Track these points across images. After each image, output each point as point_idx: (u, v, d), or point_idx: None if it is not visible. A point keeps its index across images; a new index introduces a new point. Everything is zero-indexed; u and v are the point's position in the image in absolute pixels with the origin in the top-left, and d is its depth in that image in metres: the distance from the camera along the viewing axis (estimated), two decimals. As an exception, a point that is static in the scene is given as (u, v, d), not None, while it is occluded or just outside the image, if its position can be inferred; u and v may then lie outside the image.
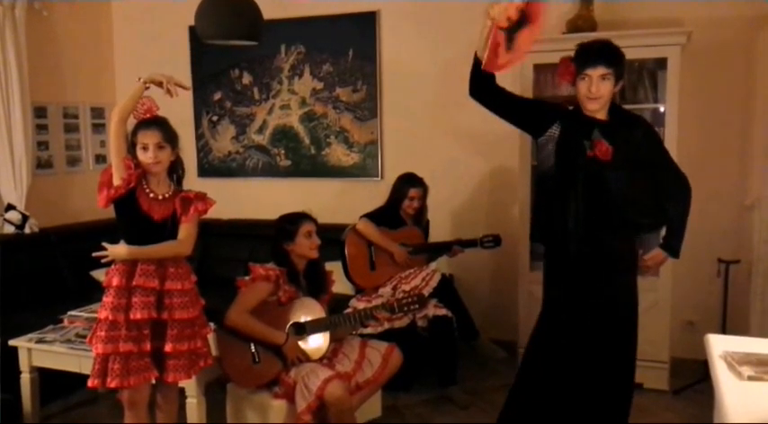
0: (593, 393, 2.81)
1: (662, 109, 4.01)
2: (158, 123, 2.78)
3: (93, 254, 2.76)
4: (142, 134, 2.74)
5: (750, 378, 1.63)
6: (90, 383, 2.74)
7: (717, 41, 4.08)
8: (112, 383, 2.68)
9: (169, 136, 2.79)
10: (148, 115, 2.79)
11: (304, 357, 3.13)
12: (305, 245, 3.24)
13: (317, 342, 3.19)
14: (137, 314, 2.67)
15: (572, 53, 2.80)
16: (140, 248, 2.73)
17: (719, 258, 3.96)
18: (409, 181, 4.11)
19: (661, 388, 3.95)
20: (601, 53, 2.70)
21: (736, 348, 1.82)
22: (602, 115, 2.77)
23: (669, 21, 4.08)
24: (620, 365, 2.85)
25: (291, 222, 3.27)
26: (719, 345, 1.87)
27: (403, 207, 4.09)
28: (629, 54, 3.89)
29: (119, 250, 2.75)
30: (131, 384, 2.70)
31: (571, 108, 2.86)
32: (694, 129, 4.10)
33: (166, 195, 2.79)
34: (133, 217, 2.74)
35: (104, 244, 2.75)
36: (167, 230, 2.78)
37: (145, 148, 2.72)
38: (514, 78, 4.07)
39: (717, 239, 4.14)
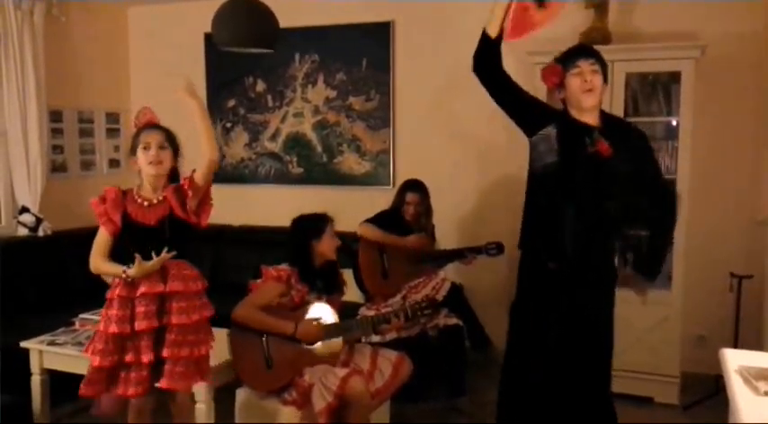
0: (571, 402, 2.79)
1: (675, 122, 4.00)
2: (161, 127, 2.83)
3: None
4: (145, 134, 2.77)
5: (767, 393, 1.62)
6: (86, 391, 2.70)
7: (731, 55, 4.08)
8: (119, 390, 2.68)
9: (171, 140, 2.81)
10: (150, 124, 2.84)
11: (320, 336, 3.13)
12: (330, 244, 3.26)
13: (331, 345, 3.19)
14: (141, 325, 2.66)
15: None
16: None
17: (732, 272, 3.94)
18: (406, 186, 4.11)
19: (671, 402, 3.93)
20: (588, 48, 2.78)
21: (752, 363, 1.81)
22: (593, 120, 2.73)
23: (683, 34, 4.09)
24: (596, 373, 2.82)
25: (320, 220, 3.29)
26: (735, 359, 1.86)
27: (403, 212, 4.09)
28: (643, 67, 3.97)
29: None
30: (132, 394, 2.69)
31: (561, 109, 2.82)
32: (707, 143, 4.10)
33: (159, 199, 2.78)
34: (127, 231, 2.74)
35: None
36: (164, 232, 2.75)
37: (146, 148, 2.74)
38: (527, 85, 4.09)
39: (729, 253, 4.13)
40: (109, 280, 2.83)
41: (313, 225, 3.29)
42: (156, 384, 2.73)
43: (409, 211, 4.07)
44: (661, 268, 2.88)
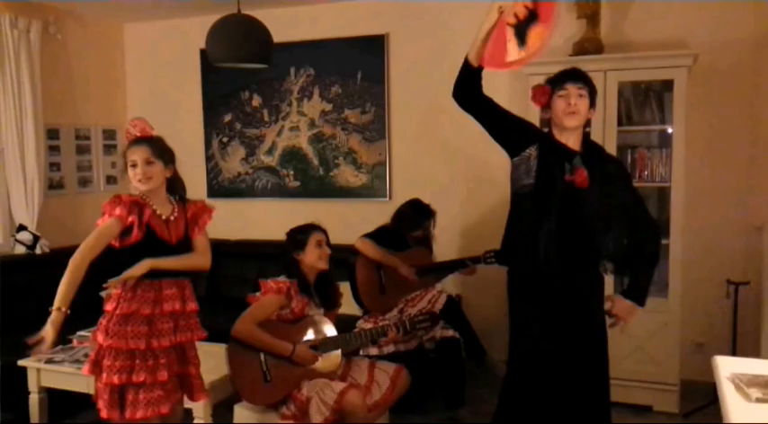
0: (571, 413, 2.77)
1: (669, 130, 4.02)
2: (147, 140, 2.73)
3: (104, 289, 2.67)
4: (131, 151, 2.71)
5: (758, 400, 1.62)
6: (107, 414, 2.65)
7: (723, 63, 4.11)
8: (138, 413, 2.61)
9: (160, 152, 2.72)
10: (141, 135, 2.76)
11: (315, 361, 3.14)
12: (315, 254, 3.25)
13: (329, 360, 3.19)
14: (164, 342, 2.64)
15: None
16: (163, 259, 2.66)
17: (728, 279, 3.94)
18: (422, 212, 4.10)
19: (670, 411, 3.92)
20: (578, 72, 2.78)
21: (745, 370, 1.82)
22: (574, 144, 2.75)
23: (675, 43, 4.12)
24: (593, 384, 2.80)
25: (302, 232, 3.30)
26: (728, 367, 1.87)
27: (413, 235, 4.11)
28: (636, 76, 3.99)
29: (138, 268, 2.62)
30: (141, 417, 2.63)
31: (546, 130, 2.84)
32: (702, 150, 4.13)
33: (174, 216, 2.76)
34: (149, 245, 2.67)
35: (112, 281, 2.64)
36: (183, 252, 2.74)
37: (134, 165, 2.68)
38: (521, 98, 4.12)
39: (725, 260, 4.14)
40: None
41: (295, 237, 3.30)
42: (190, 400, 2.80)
43: (422, 235, 4.11)
44: (647, 293, 2.85)
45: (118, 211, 2.62)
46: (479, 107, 2.74)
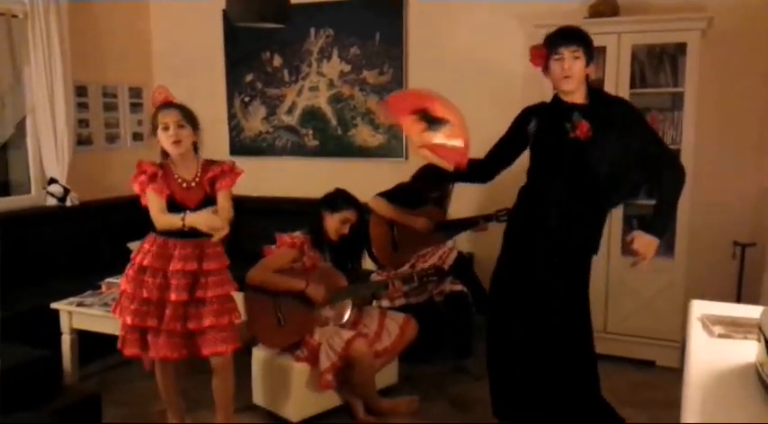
0: (555, 365, 2.92)
1: (682, 93, 4.05)
2: (177, 105, 2.91)
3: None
4: (162, 114, 2.86)
5: (720, 335, 1.74)
6: (127, 352, 2.92)
7: (738, 27, 4.11)
8: (151, 353, 2.87)
9: (189, 117, 2.89)
10: (168, 101, 2.93)
11: (328, 297, 3.31)
12: (333, 226, 3.41)
13: (339, 309, 3.36)
14: (174, 296, 2.81)
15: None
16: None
17: (735, 240, 4.02)
18: (443, 175, 4.21)
19: (672, 365, 4.04)
20: (571, 33, 2.86)
21: (716, 312, 1.94)
22: (579, 99, 2.85)
23: (690, 6, 4.12)
24: (577, 336, 2.96)
25: (344, 200, 3.45)
26: (700, 309, 1.99)
27: (432, 197, 4.22)
28: (650, 39, 4.02)
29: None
30: (165, 358, 2.89)
31: (548, 101, 2.94)
32: (713, 113, 4.16)
33: (197, 180, 2.91)
34: (168, 208, 2.84)
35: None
36: None
37: (166, 128, 2.84)
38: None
39: (733, 222, 4.20)
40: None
41: (333, 198, 3.45)
42: (201, 352, 2.92)
43: (439, 197, 4.24)
44: (667, 226, 2.96)
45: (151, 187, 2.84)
46: (505, 165, 3.08)
